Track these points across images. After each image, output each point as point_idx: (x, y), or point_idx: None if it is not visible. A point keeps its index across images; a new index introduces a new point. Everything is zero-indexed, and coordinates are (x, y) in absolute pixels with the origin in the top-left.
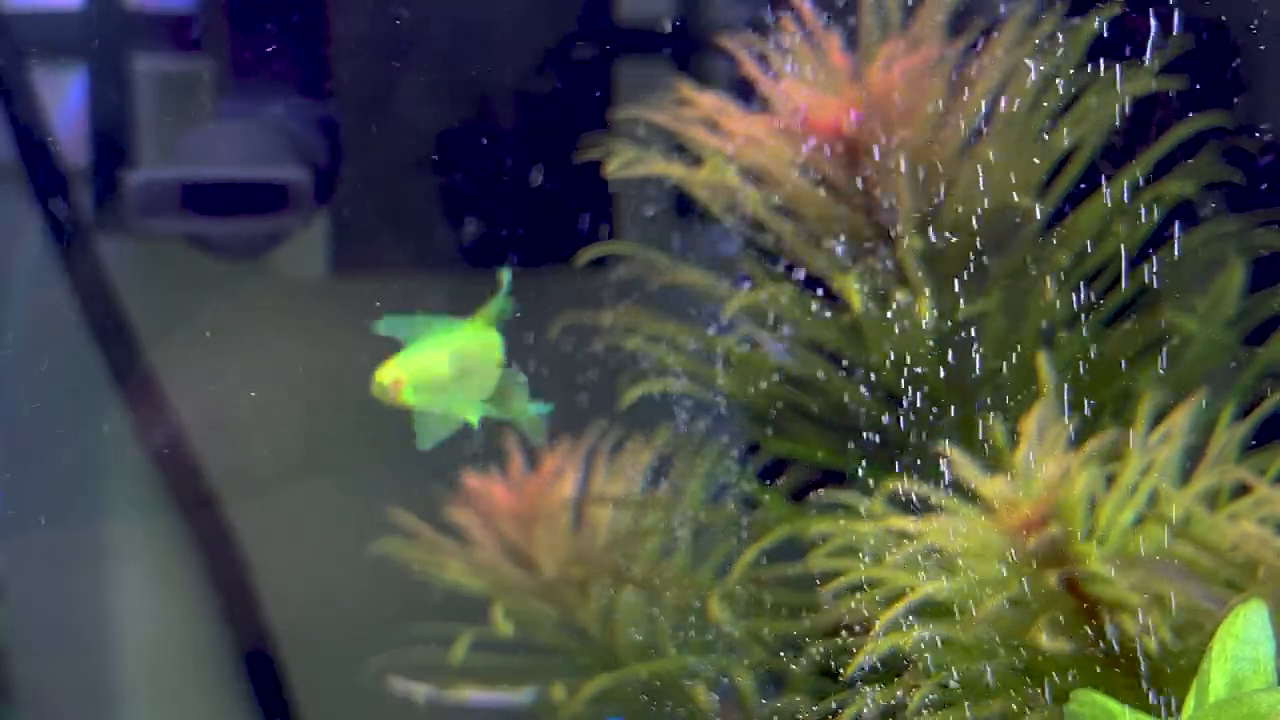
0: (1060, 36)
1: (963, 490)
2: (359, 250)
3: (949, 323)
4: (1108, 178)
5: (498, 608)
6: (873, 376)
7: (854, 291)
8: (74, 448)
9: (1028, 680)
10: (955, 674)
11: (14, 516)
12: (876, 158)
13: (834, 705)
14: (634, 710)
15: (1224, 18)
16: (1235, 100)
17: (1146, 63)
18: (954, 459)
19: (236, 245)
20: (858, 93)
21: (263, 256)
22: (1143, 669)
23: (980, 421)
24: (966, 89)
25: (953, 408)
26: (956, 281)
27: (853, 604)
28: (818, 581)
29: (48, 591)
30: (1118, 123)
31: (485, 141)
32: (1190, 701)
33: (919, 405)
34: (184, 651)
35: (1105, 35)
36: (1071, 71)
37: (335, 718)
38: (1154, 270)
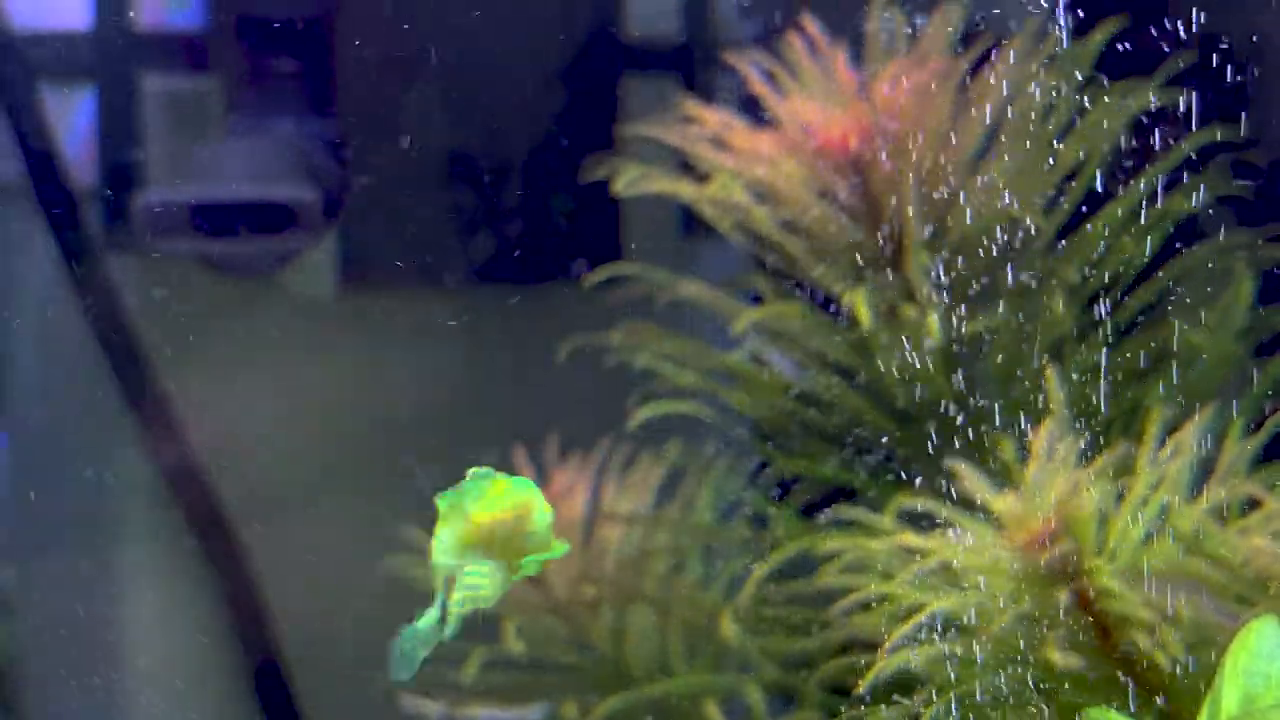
0: (1067, 51)
1: (973, 506)
2: (368, 268)
3: (958, 338)
4: (1116, 192)
5: (509, 625)
6: (882, 393)
7: (863, 308)
8: (85, 467)
9: (1039, 696)
10: (967, 691)
11: (25, 535)
12: (884, 173)
13: None
14: None
15: (1231, 31)
16: (1243, 114)
17: (1153, 77)
18: (964, 475)
19: (246, 264)
20: (865, 109)
21: (272, 275)
22: (1155, 685)
23: (990, 437)
24: (973, 104)
25: (962, 423)
26: (965, 297)
27: (864, 621)
28: (829, 598)
29: (58, 610)
30: (1125, 138)
31: (493, 159)
32: (1203, 717)
33: (928, 421)
34: (195, 670)
35: (1112, 50)
36: (1079, 86)
37: None
38: (1163, 284)
